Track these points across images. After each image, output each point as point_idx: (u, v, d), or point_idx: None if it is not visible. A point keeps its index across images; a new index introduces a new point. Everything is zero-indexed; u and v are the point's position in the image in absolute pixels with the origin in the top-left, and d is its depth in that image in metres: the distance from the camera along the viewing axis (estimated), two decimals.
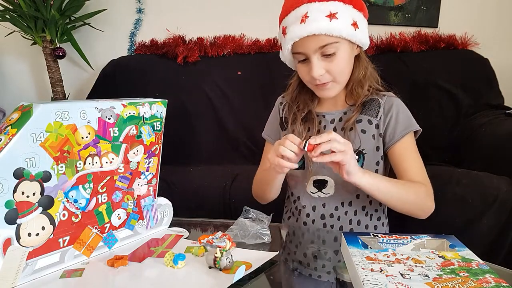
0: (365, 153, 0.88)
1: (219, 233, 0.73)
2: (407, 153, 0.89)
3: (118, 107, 0.71)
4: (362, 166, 0.87)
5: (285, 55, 0.89)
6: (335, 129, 0.92)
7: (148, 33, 2.04)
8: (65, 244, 0.66)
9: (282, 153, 0.76)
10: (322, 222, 0.92)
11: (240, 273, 0.60)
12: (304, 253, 0.77)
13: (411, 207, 0.86)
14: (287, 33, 0.83)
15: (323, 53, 0.82)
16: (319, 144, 0.72)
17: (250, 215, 0.82)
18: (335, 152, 0.72)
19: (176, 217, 0.86)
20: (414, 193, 0.84)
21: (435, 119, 1.63)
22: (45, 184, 0.61)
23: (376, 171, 0.90)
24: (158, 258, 0.69)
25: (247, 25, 1.88)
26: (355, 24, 0.83)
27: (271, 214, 0.82)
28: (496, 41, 1.87)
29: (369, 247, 0.64)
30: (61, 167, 0.63)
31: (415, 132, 0.91)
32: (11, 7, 1.79)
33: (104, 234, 0.72)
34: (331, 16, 0.80)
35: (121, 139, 0.72)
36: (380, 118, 0.90)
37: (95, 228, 0.70)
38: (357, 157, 0.86)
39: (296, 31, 0.81)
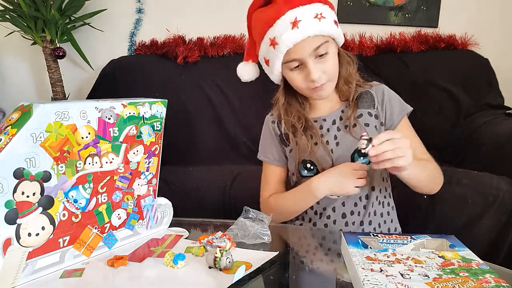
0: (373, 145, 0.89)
1: (219, 233, 0.73)
2: (408, 135, 0.90)
3: (118, 107, 0.71)
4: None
5: (275, 68, 0.88)
6: (338, 129, 0.92)
7: (148, 33, 2.04)
8: (65, 244, 0.65)
9: (361, 184, 0.84)
10: (343, 221, 0.92)
11: (240, 273, 0.60)
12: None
13: (434, 184, 0.89)
14: (278, 42, 0.82)
15: (317, 54, 0.84)
16: (382, 152, 0.71)
17: (250, 215, 0.82)
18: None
19: (176, 217, 0.86)
20: (435, 169, 0.88)
21: (435, 119, 1.63)
22: (45, 184, 0.61)
23: None
24: (158, 258, 0.69)
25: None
26: (336, 22, 0.87)
27: (271, 214, 0.82)
28: (496, 41, 1.87)
29: (369, 247, 0.64)
30: (61, 167, 0.63)
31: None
32: (11, 7, 1.79)
33: (104, 234, 0.72)
34: (319, 16, 0.81)
35: (121, 139, 0.72)
36: (377, 108, 0.92)
37: (95, 228, 0.70)
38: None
39: (290, 37, 0.81)
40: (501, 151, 1.33)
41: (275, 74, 0.91)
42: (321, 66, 0.85)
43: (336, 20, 0.87)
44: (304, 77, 0.86)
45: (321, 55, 0.84)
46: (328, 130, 0.93)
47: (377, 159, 0.72)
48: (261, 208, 0.98)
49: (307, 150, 0.91)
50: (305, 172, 0.93)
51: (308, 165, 0.92)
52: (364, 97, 0.93)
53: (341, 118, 0.93)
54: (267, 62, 0.90)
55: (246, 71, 0.97)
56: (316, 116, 0.95)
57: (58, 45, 1.92)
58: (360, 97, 0.93)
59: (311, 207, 0.94)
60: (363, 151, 0.73)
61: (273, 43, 0.84)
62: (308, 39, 0.81)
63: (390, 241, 0.66)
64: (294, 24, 0.80)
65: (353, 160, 0.89)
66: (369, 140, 0.72)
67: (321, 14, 0.82)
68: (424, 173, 0.84)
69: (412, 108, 0.94)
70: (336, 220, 0.92)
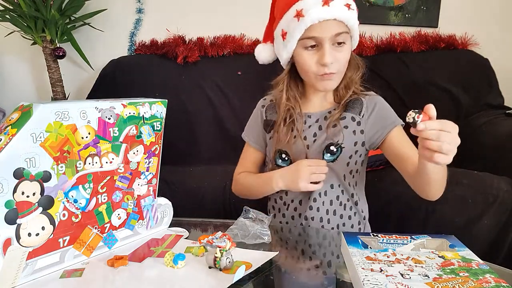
0: (343, 147, 0.91)
1: (219, 233, 0.73)
2: (403, 141, 0.89)
3: (118, 107, 0.71)
4: (337, 158, 0.91)
5: (291, 42, 0.86)
6: (320, 128, 0.94)
7: (148, 33, 2.04)
8: (65, 244, 0.66)
9: (316, 179, 0.87)
10: (309, 215, 0.93)
11: (240, 273, 0.60)
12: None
13: (441, 188, 0.83)
14: (304, 15, 0.82)
15: (336, 41, 0.84)
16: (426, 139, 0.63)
17: (250, 215, 0.82)
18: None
19: (176, 217, 0.86)
20: (446, 175, 0.82)
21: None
22: (45, 184, 0.61)
23: (347, 164, 0.92)
24: (158, 258, 0.69)
25: (247, 25, 1.88)
26: (359, 21, 0.88)
27: (271, 214, 0.83)
28: (496, 41, 1.87)
29: (369, 247, 0.64)
30: (61, 167, 0.63)
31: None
32: (11, 7, 1.79)
33: (104, 234, 0.72)
34: (348, 6, 0.83)
35: (121, 139, 0.72)
36: (363, 116, 0.92)
37: (95, 228, 0.70)
38: (335, 149, 0.90)
39: (318, 13, 0.81)
40: (501, 151, 1.33)
41: (288, 49, 0.88)
42: (336, 54, 0.85)
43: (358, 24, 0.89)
44: (317, 59, 0.86)
45: (339, 43, 0.85)
46: (309, 126, 0.95)
47: (421, 140, 0.64)
48: (233, 182, 1.06)
49: (284, 141, 0.93)
50: (279, 162, 0.96)
51: (283, 156, 0.95)
52: (354, 103, 0.94)
53: (325, 118, 0.94)
54: (284, 35, 0.88)
55: (263, 52, 0.97)
56: (304, 111, 0.96)
57: (58, 45, 1.92)
58: (350, 102, 0.94)
59: (280, 198, 0.98)
60: (407, 120, 0.63)
61: (299, 14, 0.83)
62: (334, 22, 0.82)
63: (390, 241, 0.66)
64: (326, 2, 0.81)
65: (323, 157, 0.91)
66: (419, 113, 0.62)
67: (350, 6, 0.84)
68: (442, 175, 0.79)
69: (403, 123, 0.91)
70: (301, 214, 0.95)
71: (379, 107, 0.93)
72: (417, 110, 0.62)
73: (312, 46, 0.86)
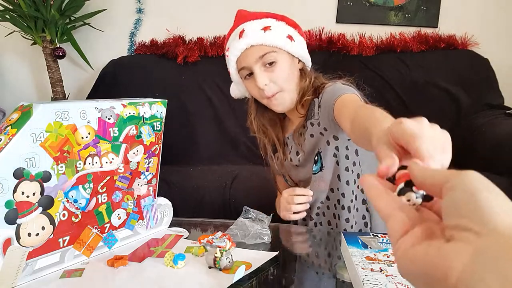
0: (321, 151, 0.90)
1: (219, 233, 0.73)
2: (346, 106, 0.78)
3: (118, 107, 0.71)
4: (322, 164, 0.90)
5: (234, 78, 0.94)
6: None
7: (148, 33, 2.04)
8: (65, 244, 0.66)
9: (293, 210, 0.88)
10: (320, 220, 0.95)
11: (240, 273, 0.60)
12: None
13: None
14: (229, 55, 0.89)
15: (264, 62, 0.86)
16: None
17: (250, 215, 0.82)
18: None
19: (176, 217, 0.86)
20: None
21: (435, 119, 1.63)
22: (45, 184, 0.61)
23: (337, 163, 0.89)
24: (158, 258, 0.69)
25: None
26: (290, 37, 0.89)
27: (271, 214, 0.83)
28: (496, 41, 1.87)
29: (369, 247, 0.64)
30: (61, 167, 0.63)
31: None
32: (11, 7, 1.79)
33: (104, 234, 0.72)
34: (266, 29, 0.87)
35: (121, 139, 0.72)
36: (318, 115, 0.89)
37: (95, 228, 0.70)
38: (316, 157, 0.91)
39: (236, 46, 0.87)
40: (501, 151, 1.33)
41: (238, 84, 0.96)
42: (269, 75, 0.87)
43: (294, 36, 0.89)
44: (255, 85, 0.88)
45: (270, 64, 0.86)
46: (291, 147, 0.97)
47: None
48: None
49: (280, 169, 0.99)
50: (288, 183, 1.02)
51: (285, 179, 1.02)
52: (312, 108, 0.92)
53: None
54: (232, 74, 0.94)
55: (237, 89, 1.00)
56: (286, 134, 1.00)
57: (58, 45, 1.92)
58: (309, 108, 0.93)
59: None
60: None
61: (228, 54, 0.90)
62: (252, 48, 0.86)
63: (390, 241, 0.66)
64: (240, 34, 0.87)
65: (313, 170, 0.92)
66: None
67: (269, 27, 0.87)
68: None
69: (346, 93, 0.81)
70: (311, 217, 0.96)
71: (323, 97, 0.87)
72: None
73: (250, 75, 0.89)
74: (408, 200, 0.29)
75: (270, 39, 0.86)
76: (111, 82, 1.88)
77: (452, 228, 0.24)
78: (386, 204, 0.29)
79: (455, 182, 0.25)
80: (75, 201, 0.66)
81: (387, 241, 0.66)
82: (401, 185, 0.30)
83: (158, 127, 0.79)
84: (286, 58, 0.89)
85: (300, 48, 0.92)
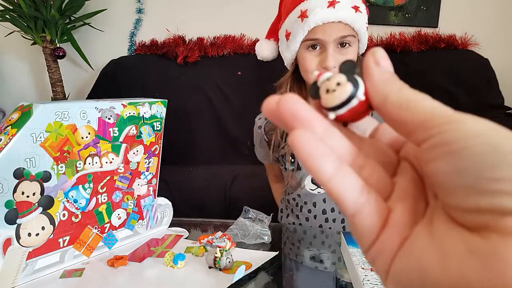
0: None
1: (219, 233, 0.73)
2: None
3: (118, 107, 0.71)
4: None
5: (294, 43, 0.82)
6: None
7: (148, 33, 2.04)
8: (65, 244, 0.65)
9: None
10: (324, 217, 0.93)
11: (240, 273, 0.60)
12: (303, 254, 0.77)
13: None
14: (308, 15, 0.78)
15: (341, 43, 0.80)
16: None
17: (250, 215, 0.82)
18: None
19: (176, 217, 0.86)
20: None
21: None
22: (45, 184, 0.61)
23: None
24: (158, 258, 0.69)
25: (247, 25, 1.89)
26: (367, 27, 0.85)
27: (271, 214, 0.82)
28: (496, 41, 1.87)
29: None
30: (61, 167, 0.63)
31: None
32: (11, 7, 1.79)
33: (104, 234, 0.72)
34: (355, 8, 0.79)
35: (121, 139, 0.72)
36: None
37: (95, 228, 0.70)
38: None
39: (322, 15, 0.77)
40: None
41: (291, 51, 0.85)
42: (340, 58, 0.80)
43: (367, 26, 0.85)
44: (319, 61, 0.81)
45: (343, 45, 0.80)
46: None
47: None
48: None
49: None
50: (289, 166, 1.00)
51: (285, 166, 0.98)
52: None
53: None
54: (287, 35, 0.84)
55: (265, 48, 0.93)
56: None
57: (58, 45, 1.92)
58: None
59: (293, 199, 0.97)
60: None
61: (303, 15, 0.79)
62: (339, 24, 0.78)
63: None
64: (332, 3, 0.77)
65: None
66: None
67: (358, 8, 0.80)
68: None
69: None
70: (316, 216, 0.93)
71: None
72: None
73: (313, 47, 0.82)
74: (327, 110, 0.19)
75: (358, 22, 0.79)
76: (111, 82, 1.88)
77: (481, 211, 0.15)
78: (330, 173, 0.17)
79: (462, 133, 0.16)
80: (75, 201, 0.66)
81: None
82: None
83: (158, 127, 0.79)
84: (356, 47, 0.83)
85: (365, 42, 0.86)
